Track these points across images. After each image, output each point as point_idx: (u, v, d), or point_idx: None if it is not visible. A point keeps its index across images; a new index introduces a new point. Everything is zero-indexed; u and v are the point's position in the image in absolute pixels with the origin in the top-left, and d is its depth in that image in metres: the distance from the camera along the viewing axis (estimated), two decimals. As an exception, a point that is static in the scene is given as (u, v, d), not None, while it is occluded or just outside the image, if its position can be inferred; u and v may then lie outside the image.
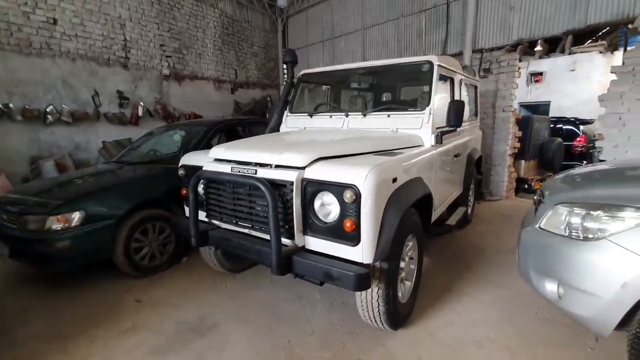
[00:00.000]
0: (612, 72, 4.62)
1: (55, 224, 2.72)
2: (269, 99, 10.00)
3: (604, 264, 1.56)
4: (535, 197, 2.35)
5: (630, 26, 4.58)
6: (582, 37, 11.64)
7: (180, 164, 2.79)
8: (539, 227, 1.94)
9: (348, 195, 1.79)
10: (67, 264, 2.87)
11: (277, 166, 2.08)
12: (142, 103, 6.78)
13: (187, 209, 2.84)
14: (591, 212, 1.68)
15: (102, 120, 6.21)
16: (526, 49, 11.10)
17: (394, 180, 2.02)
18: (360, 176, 1.79)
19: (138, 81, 6.82)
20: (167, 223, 3.35)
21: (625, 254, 1.50)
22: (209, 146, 3.86)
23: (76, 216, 2.78)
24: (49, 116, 5.42)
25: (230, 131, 4.52)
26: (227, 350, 2.21)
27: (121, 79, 6.52)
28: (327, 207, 1.94)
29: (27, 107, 5.20)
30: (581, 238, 1.69)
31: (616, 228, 1.57)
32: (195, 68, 8.03)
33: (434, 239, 4.01)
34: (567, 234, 1.76)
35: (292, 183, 1.95)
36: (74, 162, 5.64)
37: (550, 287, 1.80)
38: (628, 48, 4.60)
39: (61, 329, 2.50)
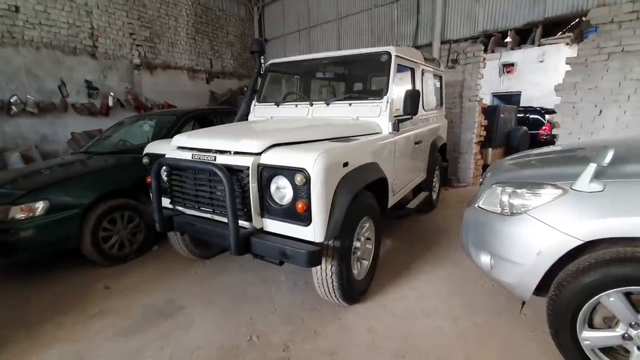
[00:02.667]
0: (567, 63, 4.90)
1: (18, 213, 2.73)
2: (245, 88, 9.93)
3: (524, 236, 1.74)
4: (480, 180, 2.54)
5: (584, 19, 4.84)
6: (551, 29, 12.08)
7: (144, 153, 2.84)
8: (477, 206, 2.12)
9: (299, 179, 1.90)
10: (32, 254, 2.88)
11: (236, 153, 2.17)
12: (112, 93, 6.64)
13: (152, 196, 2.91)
14: (517, 190, 1.86)
15: (71, 111, 6.07)
16: (499, 40, 11.45)
17: (345, 164, 2.15)
18: (309, 160, 1.91)
19: (107, 71, 6.67)
20: (136, 212, 3.40)
21: (541, 226, 1.68)
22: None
23: (40, 205, 2.80)
24: (13, 107, 5.26)
25: (201, 120, 4.54)
26: (192, 329, 2.32)
27: (89, 68, 6.36)
28: (282, 190, 2.06)
29: (-12, 97, 5.04)
30: (509, 214, 1.87)
31: (535, 203, 1.75)
32: (167, 57, 7.90)
33: (399, 221, 4.21)
34: (499, 211, 1.94)
35: (248, 168, 2.05)
36: (42, 154, 5.52)
37: (485, 259, 1.98)
38: (583, 40, 4.87)
39: (28, 316, 2.54)
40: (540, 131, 8.88)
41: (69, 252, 3.12)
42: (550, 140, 8.34)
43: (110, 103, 6.55)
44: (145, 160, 2.80)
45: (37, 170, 3.52)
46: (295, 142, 2.24)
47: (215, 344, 2.15)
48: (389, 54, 3.03)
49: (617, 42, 4.34)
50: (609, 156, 1.53)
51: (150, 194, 2.90)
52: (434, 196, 4.75)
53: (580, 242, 1.56)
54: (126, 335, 2.28)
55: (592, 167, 1.56)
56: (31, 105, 5.41)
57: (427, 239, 3.78)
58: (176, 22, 8.03)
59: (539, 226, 1.69)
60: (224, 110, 4.98)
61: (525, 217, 1.76)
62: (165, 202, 2.61)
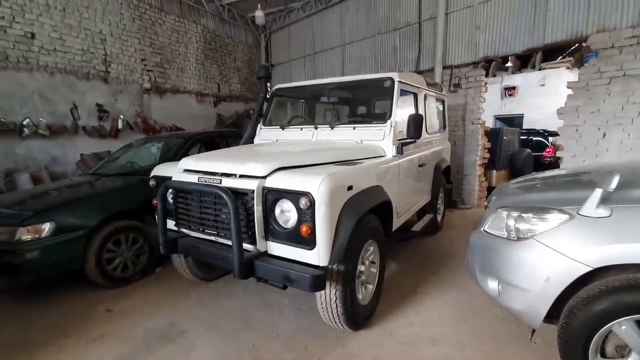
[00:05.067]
0: (568, 87, 4.96)
1: (25, 235, 2.75)
2: (251, 112, 10.14)
3: (531, 261, 1.72)
4: (485, 203, 2.53)
5: (584, 44, 4.95)
6: (551, 53, 12.34)
7: (151, 175, 2.88)
8: (483, 230, 2.10)
9: (303, 202, 1.92)
10: (37, 275, 2.88)
11: (241, 176, 2.20)
12: (122, 116, 6.81)
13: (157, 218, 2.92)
14: (523, 214, 1.85)
15: (81, 133, 6.22)
16: (500, 64, 11.68)
17: (349, 188, 2.16)
18: (314, 184, 1.92)
19: (118, 95, 6.87)
20: (140, 234, 3.41)
21: (548, 251, 1.66)
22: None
23: (46, 227, 2.82)
24: (25, 129, 5.41)
25: (208, 143, 4.61)
26: (194, 355, 2.27)
27: (101, 92, 6.56)
28: (286, 213, 2.07)
29: (2, 120, 5.19)
30: (515, 238, 1.85)
31: (542, 228, 1.74)
32: (177, 82, 8.14)
33: (404, 244, 4.16)
34: (505, 235, 1.92)
35: (253, 191, 2.07)
36: (51, 175, 5.61)
37: (492, 285, 1.95)
38: (584, 65, 4.96)
39: (30, 338, 2.51)
40: (544, 153, 8.89)
41: (73, 274, 3.11)
42: (554, 162, 8.33)
43: (120, 126, 6.71)
44: (152, 182, 2.83)
45: (45, 191, 3.56)
46: (300, 166, 2.27)
47: (216, 371, 2.10)
48: (392, 79, 3.11)
49: (618, 67, 4.41)
50: (614, 181, 1.53)
51: (156, 216, 2.92)
52: (439, 218, 4.72)
53: (590, 269, 1.54)
54: (126, 360, 2.24)
55: (598, 193, 1.56)
56: (43, 128, 5.56)
57: (433, 262, 3.73)
58: (186, 49, 8.32)
59: (546, 252, 1.67)
60: (231, 133, 5.06)
61: (532, 242, 1.74)
62: (170, 224, 2.63)
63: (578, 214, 1.63)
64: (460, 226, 5.15)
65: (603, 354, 1.59)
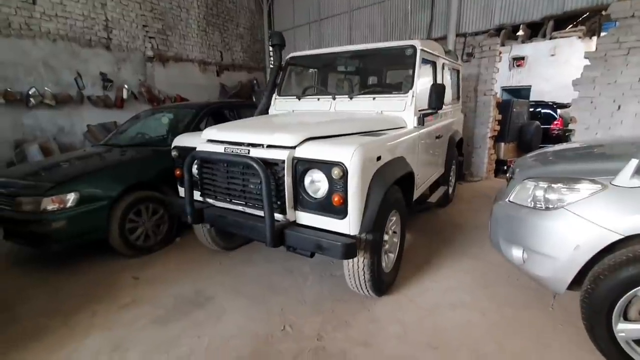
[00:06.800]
0: (585, 58, 4.85)
1: (50, 204, 2.79)
2: (255, 81, 9.93)
3: (561, 230, 1.77)
4: (507, 175, 2.56)
5: (603, 13, 4.78)
6: (562, 22, 11.92)
7: (173, 146, 2.87)
8: (509, 201, 2.14)
9: (336, 172, 1.93)
10: (63, 245, 2.95)
11: (269, 146, 2.20)
12: (126, 85, 6.68)
13: (181, 189, 2.95)
14: (552, 185, 1.88)
15: (86, 103, 6.12)
16: (509, 33, 11.30)
17: (378, 158, 2.17)
18: (347, 154, 1.93)
19: (121, 63, 6.70)
20: (160, 204, 3.44)
21: (579, 221, 1.71)
22: (197, 129, 3.93)
23: (71, 197, 2.85)
24: (32, 99, 5.32)
25: (218, 114, 4.56)
26: (225, 318, 2.38)
27: (104, 60, 6.39)
28: (317, 183, 2.09)
29: (9, 90, 5.08)
30: (543, 208, 1.89)
31: (573, 198, 1.77)
32: (179, 49, 7.91)
33: (417, 215, 4.24)
34: (532, 205, 1.97)
35: (283, 161, 2.08)
36: (59, 146, 5.58)
37: (517, 253, 2.01)
38: (601, 34, 4.81)
39: (61, 305, 2.60)
40: (551, 126, 8.81)
41: (96, 244, 3.18)
42: (562, 135, 8.31)
43: (125, 95, 6.60)
44: (174, 153, 2.83)
45: (64, 161, 3.57)
46: (327, 136, 2.27)
47: (249, 333, 2.21)
48: (414, 47, 3.03)
49: (638, 37, 4.29)
50: (654, 152, 1.54)
51: (179, 187, 2.95)
52: (450, 190, 4.77)
53: (621, 237, 1.59)
54: (161, 323, 2.34)
55: (634, 163, 1.58)
56: (49, 98, 5.46)
57: (445, 233, 3.81)
58: (188, 14, 8.02)
59: (577, 221, 1.71)
60: (241, 104, 5.00)
61: (562, 212, 1.78)
62: (195, 194, 2.65)
63: (611, 184, 1.66)
64: (470, 199, 5.21)
65: (625, 318, 1.67)
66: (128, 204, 3.19)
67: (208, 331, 2.24)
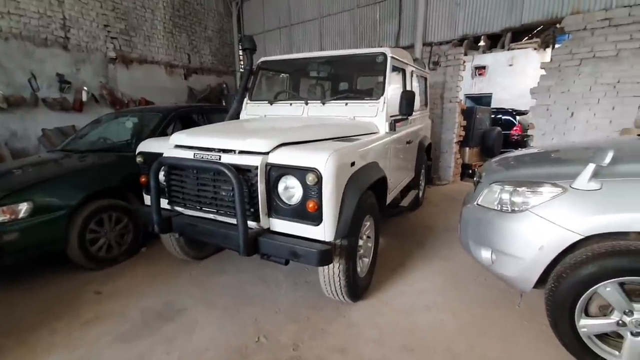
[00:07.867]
0: (541, 68, 5.18)
1: (0, 215, 2.55)
2: (224, 85, 9.73)
3: (526, 231, 1.86)
4: (474, 179, 2.66)
5: (558, 26, 5.14)
6: (519, 34, 12.71)
7: (137, 151, 2.73)
8: (477, 204, 2.21)
9: (310, 178, 1.91)
10: (16, 258, 2.69)
11: (241, 152, 2.14)
12: (85, 88, 6.29)
13: (146, 197, 2.81)
14: (517, 188, 1.97)
15: (42, 105, 5.70)
16: (471, 43, 11.90)
17: (352, 164, 2.18)
18: (321, 160, 1.92)
19: (80, 64, 6.32)
20: (124, 213, 3.27)
21: (543, 222, 1.80)
22: (164, 134, 3.77)
23: (24, 207, 2.63)
24: (-21, 101, 4.89)
25: (186, 118, 4.42)
26: (197, 331, 2.28)
27: (61, 61, 6.00)
28: (291, 190, 2.06)
29: (-48, 90, 4.65)
30: (509, 211, 1.97)
31: (536, 201, 1.86)
32: (144, 51, 7.59)
33: (389, 219, 4.30)
34: (499, 208, 2.04)
35: (256, 168, 2.03)
36: (11, 152, 5.16)
37: (485, 254, 2.09)
38: (556, 46, 5.16)
39: (17, 323, 2.39)
40: (511, 132, 9.32)
41: (54, 256, 2.96)
42: (521, 140, 8.81)
43: (84, 98, 6.22)
44: (139, 159, 2.69)
45: (13, 169, 3.29)
46: (301, 142, 2.25)
47: (223, 345, 2.12)
48: (385, 55, 3.09)
49: (589, 49, 4.64)
50: (609, 156, 1.65)
51: (145, 194, 2.81)
52: (420, 194, 4.90)
53: (581, 237, 1.68)
54: (127, 340, 2.20)
55: (591, 167, 1.68)
56: (0, 100, 5.04)
57: (416, 236, 3.90)
58: (153, 15, 7.73)
59: (541, 222, 1.80)
60: (210, 108, 4.87)
61: (527, 214, 1.86)
62: (162, 202, 2.54)
63: (571, 187, 1.76)
64: (438, 202, 5.38)
65: (587, 314, 1.77)
66: (89, 213, 2.99)
67: (179, 346, 2.13)
